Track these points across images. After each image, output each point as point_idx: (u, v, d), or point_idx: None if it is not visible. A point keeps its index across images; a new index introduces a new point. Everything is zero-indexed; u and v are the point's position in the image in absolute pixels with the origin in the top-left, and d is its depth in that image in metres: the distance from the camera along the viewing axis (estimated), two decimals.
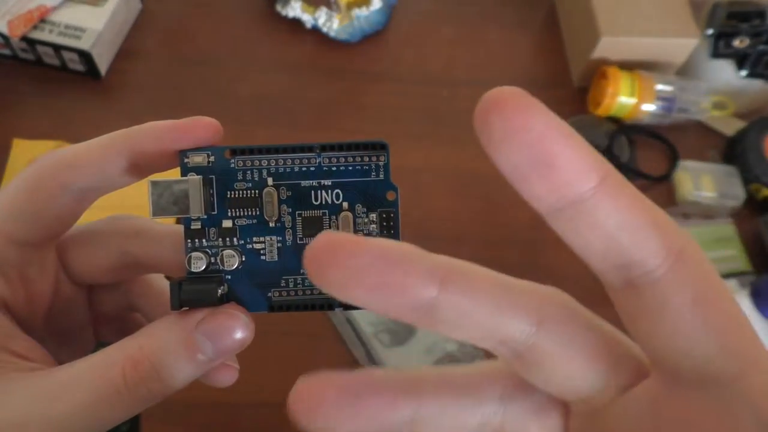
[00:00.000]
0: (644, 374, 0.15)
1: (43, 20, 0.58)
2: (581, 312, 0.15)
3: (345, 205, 0.20)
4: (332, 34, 0.65)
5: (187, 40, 0.65)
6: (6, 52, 0.60)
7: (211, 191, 0.20)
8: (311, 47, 0.66)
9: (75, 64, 0.59)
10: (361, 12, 0.64)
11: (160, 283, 0.24)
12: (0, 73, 0.60)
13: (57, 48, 0.58)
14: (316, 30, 0.66)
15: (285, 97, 0.62)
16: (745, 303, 0.52)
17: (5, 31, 0.57)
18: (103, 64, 0.60)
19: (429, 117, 0.63)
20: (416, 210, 0.56)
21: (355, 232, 0.20)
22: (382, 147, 0.20)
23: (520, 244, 0.57)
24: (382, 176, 0.20)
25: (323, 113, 0.62)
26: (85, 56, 0.58)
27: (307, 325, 0.51)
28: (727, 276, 0.54)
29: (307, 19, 0.65)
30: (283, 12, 0.66)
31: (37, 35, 0.58)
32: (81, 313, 0.24)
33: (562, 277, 0.55)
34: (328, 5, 0.64)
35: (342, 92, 0.64)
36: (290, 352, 0.50)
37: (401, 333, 0.51)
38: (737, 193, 0.59)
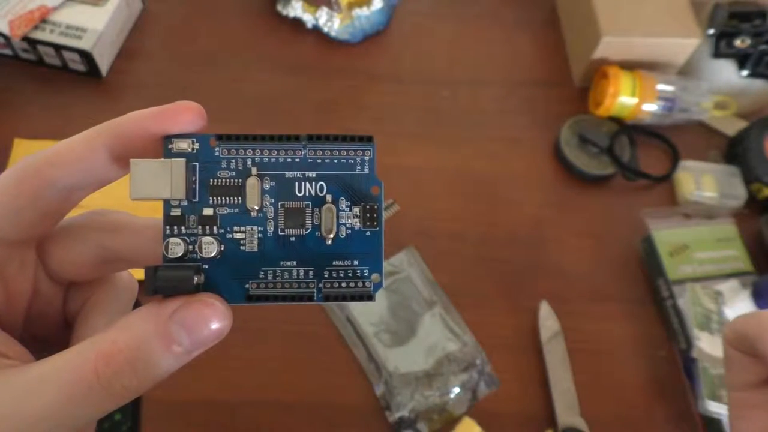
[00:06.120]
0: None
1: (44, 20, 0.58)
2: None
3: (328, 197, 0.20)
4: (333, 34, 0.65)
5: (188, 40, 0.65)
6: (7, 52, 0.60)
7: (194, 178, 0.20)
8: (312, 47, 0.66)
9: (76, 64, 0.59)
10: (362, 12, 0.64)
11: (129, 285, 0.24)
12: (1, 73, 0.60)
13: (58, 48, 0.58)
14: (316, 30, 0.66)
15: (286, 96, 0.62)
16: (746, 303, 0.52)
17: (6, 31, 0.57)
18: (104, 64, 0.60)
19: (429, 117, 0.63)
20: (416, 210, 0.56)
21: (338, 225, 0.20)
22: (368, 140, 0.20)
23: (521, 243, 0.57)
24: (367, 170, 0.20)
25: (324, 113, 0.62)
26: (86, 56, 0.58)
27: (307, 324, 0.51)
28: (728, 276, 0.54)
29: (308, 19, 0.65)
30: (284, 12, 0.66)
31: (38, 35, 0.58)
32: (60, 312, 0.23)
33: (561, 276, 0.55)
34: (329, 5, 0.64)
35: (342, 92, 0.64)
36: (290, 351, 0.50)
37: (402, 333, 0.50)
38: (738, 193, 0.59)
